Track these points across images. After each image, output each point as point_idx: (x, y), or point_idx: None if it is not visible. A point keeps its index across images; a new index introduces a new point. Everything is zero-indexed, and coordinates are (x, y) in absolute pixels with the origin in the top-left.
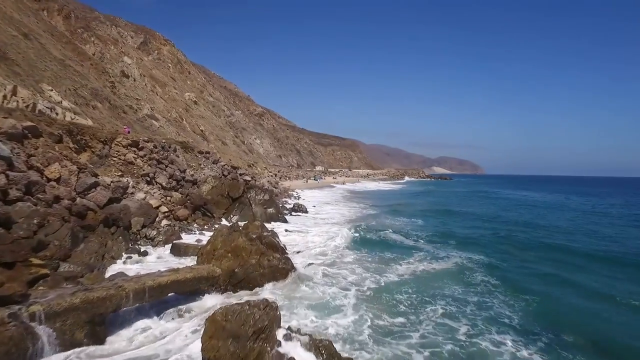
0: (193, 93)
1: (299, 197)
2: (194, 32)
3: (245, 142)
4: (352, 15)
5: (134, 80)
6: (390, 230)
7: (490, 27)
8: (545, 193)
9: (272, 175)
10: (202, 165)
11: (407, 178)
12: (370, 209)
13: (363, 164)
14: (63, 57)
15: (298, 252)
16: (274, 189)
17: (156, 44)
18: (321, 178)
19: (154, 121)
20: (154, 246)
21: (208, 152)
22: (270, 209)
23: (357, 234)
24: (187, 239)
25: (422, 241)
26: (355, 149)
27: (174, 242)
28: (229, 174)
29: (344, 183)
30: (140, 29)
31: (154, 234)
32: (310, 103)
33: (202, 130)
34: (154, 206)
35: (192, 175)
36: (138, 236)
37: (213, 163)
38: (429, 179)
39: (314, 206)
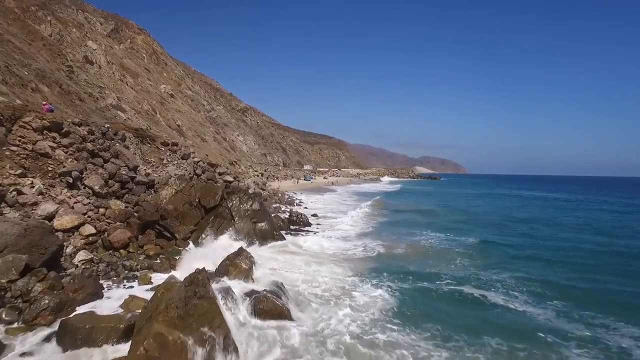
0: (169, 86)
1: (292, 201)
2: (172, 28)
3: (227, 139)
4: (328, 13)
5: (100, 67)
6: (451, 270)
7: (473, 27)
8: (565, 193)
9: (258, 175)
10: (165, 161)
11: (387, 178)
12: (389, 218)
13: (351, 163)
14: (3, 31)
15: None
16: (261, 191)
17: (129, 33)
18: (312, 178)
19: (119, 112)
20: (28, 322)
21: (175, 144)
22: (262, 224)
23: (408, 285)
24: (112, 296)
25: (535, 305)
26: (343, 147)
27: (69, 317)
28: (203, 173)
29: (332, 183)
30: (112, 16)
31: (38, 290)
32: (290, 102)
33: (178, 125)
34: (68, 226)
35: (147, 175)
36: (8, 294)
37: (182, 159)
38: (419, 178)
39: (315, 215)
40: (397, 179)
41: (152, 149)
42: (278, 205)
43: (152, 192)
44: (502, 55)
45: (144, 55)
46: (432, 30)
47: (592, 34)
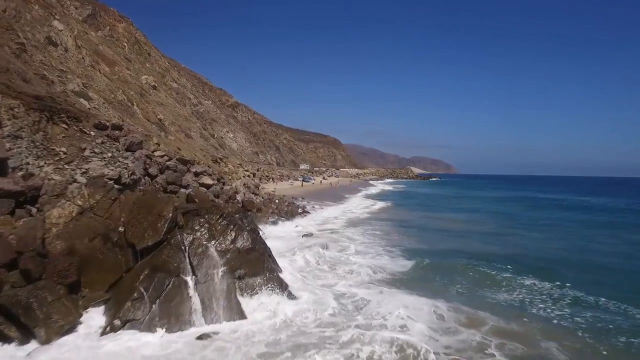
0: (152, 77)
1: (295, 211)
2: (159, 22)
3: (216, 135)
4: (315, 9)
5: (66, 50)
6: None
7: (465, 27)
8: (607, 197)
9: (249, 176)
10: (88, 152)
11: (386, 180)
12: (430, 244)
13: (347, 162)
14: None
15: None
16: (253, 196)
17: (109, 20)
18: (311, 179)
19: (82, 100)
20: None
21: (119, 128)
22: (255, 280)
23: None
24: None
25: None
26: (339, 146)
27: None
28: (161, 173)
29: (330, 184)
30: (88, 1)
31: None
32: (280, 100)
33: (160, 119)
34: None
35: (25, 178)
36: None
37: (126, 150)
38: (418, 179)
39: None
40: (396, 179)
41: (70, 132)
42: (276, 218)
43: (34, 210)
44: (497, 56)
45: (125, 44)
46: (425, 31)
47: (584, 34)
